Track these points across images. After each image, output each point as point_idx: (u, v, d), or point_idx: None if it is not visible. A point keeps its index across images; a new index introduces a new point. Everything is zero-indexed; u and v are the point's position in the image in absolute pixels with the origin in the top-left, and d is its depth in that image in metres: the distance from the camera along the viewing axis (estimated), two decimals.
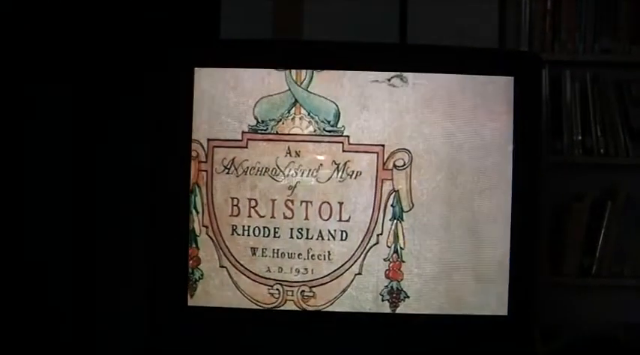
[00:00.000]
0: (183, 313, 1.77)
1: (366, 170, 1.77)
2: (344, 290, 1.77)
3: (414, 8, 2.58)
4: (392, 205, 1.77)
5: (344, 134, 1.78)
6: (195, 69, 1.79)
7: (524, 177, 1.95)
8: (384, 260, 1.78)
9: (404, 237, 1.78)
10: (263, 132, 1.77)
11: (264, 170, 1.76)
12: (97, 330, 2.40)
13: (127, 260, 2.33)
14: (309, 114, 1.77)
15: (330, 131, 1.78)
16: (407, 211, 1.77)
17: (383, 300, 1.78)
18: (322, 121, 1.77)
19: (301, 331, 1.77)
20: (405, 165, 1.81)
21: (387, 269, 1.78)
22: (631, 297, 2.59)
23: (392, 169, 1.78)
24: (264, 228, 1.76)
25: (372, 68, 1.86)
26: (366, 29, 2.51)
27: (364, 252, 1.77)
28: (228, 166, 1.76)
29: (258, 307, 1.77)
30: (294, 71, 1.79)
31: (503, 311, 1.89)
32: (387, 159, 1.78)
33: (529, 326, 1.98)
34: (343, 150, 1.77)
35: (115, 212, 2.37)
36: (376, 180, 1.77)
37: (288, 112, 1.77)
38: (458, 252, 1.80)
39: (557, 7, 2.57)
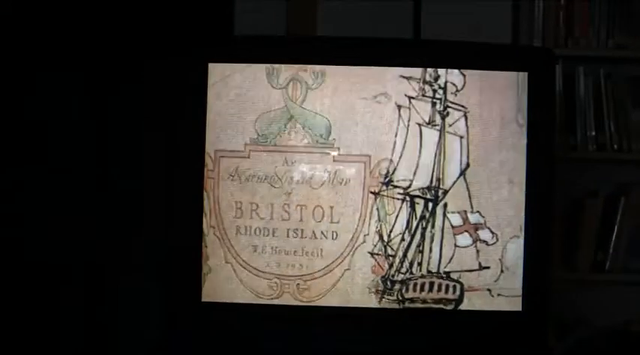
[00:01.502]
0: (197, 307, 2.23)
1: (355, 178, 2.21)
2: (335, 284, 2.22)
3: (428, 4, 2.91)
4: (377, 209, 2.27)
5: (335, 146, 2.23)
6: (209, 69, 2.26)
7: (537, 173, 2.22)
8: (371, 257, 2.25)
9: (389, 236, 2.26)
10: (263, 144, 2.24)
11: (264, 177, 2.21)
12: (108, 330, 2.78)
13: (132, 256, 2.84)
14: (303, 128, 2.21)
15: (322, 143, 2.21)
16: (390, 214, 2.24)
17: (370, 293, 2.24)
18: (315, 135, 2.21)
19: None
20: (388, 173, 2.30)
21: (372, 265, 2.25)
22: None
23: (377, 177, 2.25)
24: (264, 228, 2.22)
25: (387, 63, 2.20)
26: (379, 26, 2.81)
27: (352, 250, 2.23)
28: (233, 174, 2.21)
29: (259, 298, 2.23)
30: (290, 89, 2.23)
31: (517, 306, 2.22)
32: (373, 168, 2.26)
33: (543, 322, 2.24)
34: (334, 160, 2.22)
35: (123, 209, 2.86)
36: (363, 187, 2.22)
37: (285, 126, 2.22)
38: (438, 251, 2.22)
39: (570, 3, 2.89)
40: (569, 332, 2.85)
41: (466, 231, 2.20)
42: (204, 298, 2.24)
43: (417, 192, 2.20)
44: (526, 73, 2.27)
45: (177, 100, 2.29)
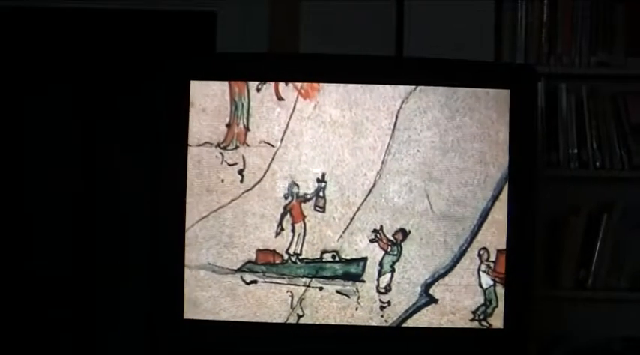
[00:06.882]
0: (181, 326, 2.34)
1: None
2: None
3: (411, 21, 3.00)
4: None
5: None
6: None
7: (519, 190, 2.35)
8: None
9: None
10: None
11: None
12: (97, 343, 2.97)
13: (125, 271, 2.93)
14: None
15: None
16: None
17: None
18: None
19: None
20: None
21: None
22: (626, 310, 3.00)
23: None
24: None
25: (368, 81, 2.33)
26: (362, 42, 2.93)
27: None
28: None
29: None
30: None
31: (499, 324, 2.34)
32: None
33: (525, 340, 2.35)
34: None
35: (115, 225, 2.93)
36: None
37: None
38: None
39: (553, 20, 3.01)
40: (552, 349, 2.96)
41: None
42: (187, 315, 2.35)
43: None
44: (508, 91, 2.40)
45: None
